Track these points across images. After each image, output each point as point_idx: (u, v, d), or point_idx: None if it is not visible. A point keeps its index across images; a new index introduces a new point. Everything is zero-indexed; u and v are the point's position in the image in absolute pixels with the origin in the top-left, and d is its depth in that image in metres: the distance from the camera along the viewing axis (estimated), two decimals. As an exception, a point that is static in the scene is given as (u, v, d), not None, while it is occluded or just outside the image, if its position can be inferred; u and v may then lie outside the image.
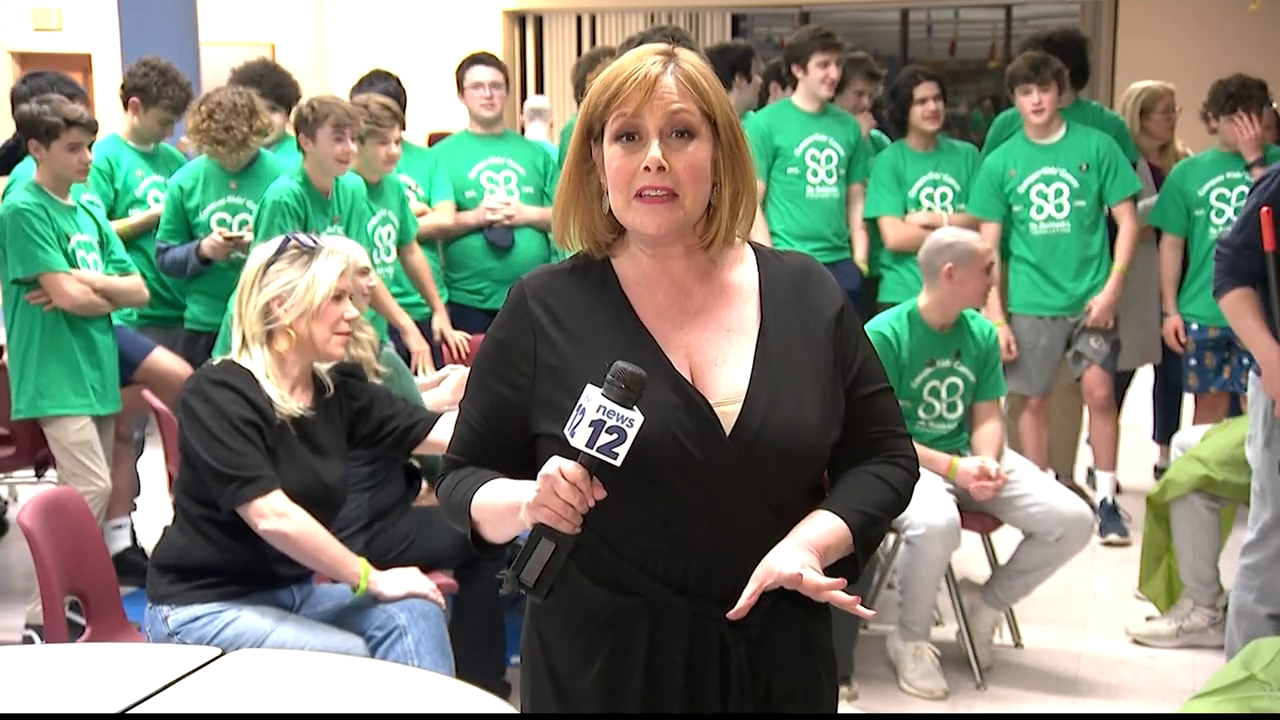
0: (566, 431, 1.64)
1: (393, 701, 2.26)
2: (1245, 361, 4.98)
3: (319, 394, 3.10)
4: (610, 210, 1.80)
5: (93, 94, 11.36)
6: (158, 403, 4.29)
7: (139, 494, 5.19)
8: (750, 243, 1.90)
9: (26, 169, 4.54)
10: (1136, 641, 4.30)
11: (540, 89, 12.73)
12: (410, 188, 5.17)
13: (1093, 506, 5.26)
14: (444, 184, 5.27)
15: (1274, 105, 5.42)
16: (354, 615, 3.04)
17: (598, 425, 1.62)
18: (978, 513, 4.04)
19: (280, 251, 3.04)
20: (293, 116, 4.58)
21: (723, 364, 1.80)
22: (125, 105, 4.99)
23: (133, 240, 4.83)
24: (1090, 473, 5.89)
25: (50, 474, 4.90)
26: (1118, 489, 5.49)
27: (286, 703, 2.26)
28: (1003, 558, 4.15)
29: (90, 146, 4.22)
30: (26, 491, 5.72)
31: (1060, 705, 3.88)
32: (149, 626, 2.96)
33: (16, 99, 4.77)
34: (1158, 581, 4.33)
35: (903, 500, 1.88)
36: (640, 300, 1.82)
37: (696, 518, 1.76)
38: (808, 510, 1.82)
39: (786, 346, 1.82)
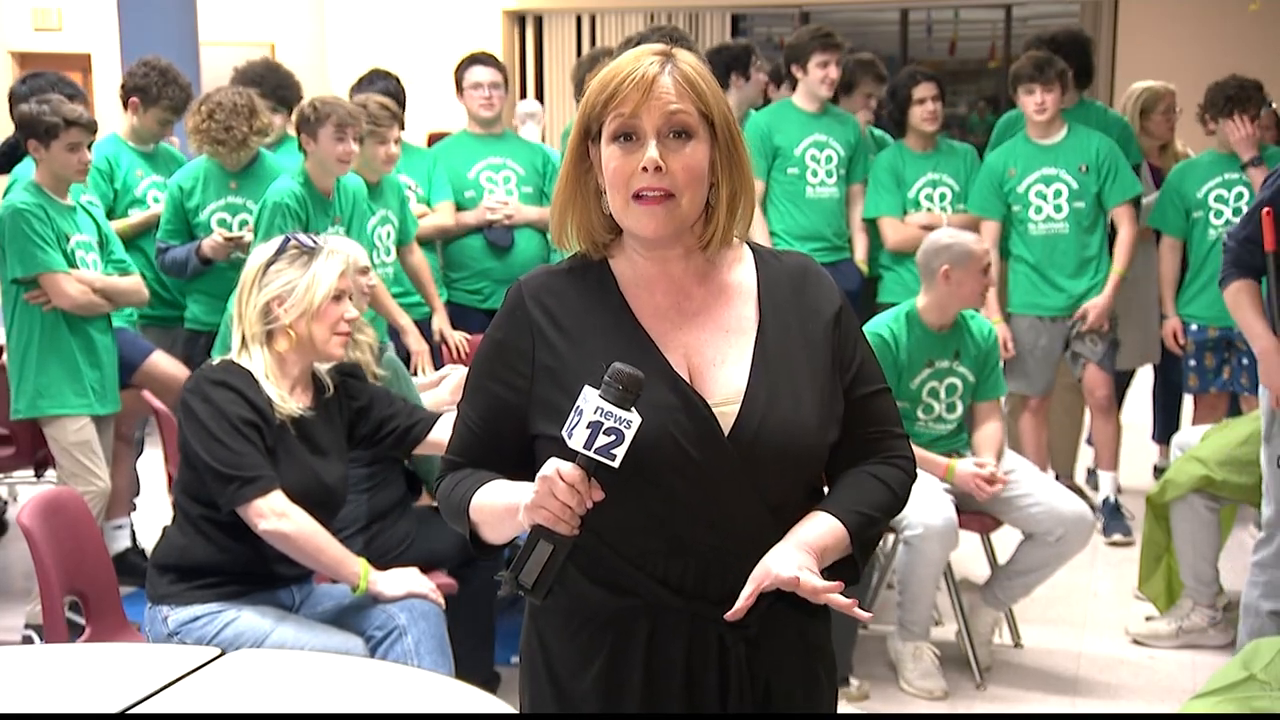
0: (564, 433, 1.64)
1: (392, 701, 2.26)
2: (1245, 362, 4.99)
3: (319, 394, 3.10)
4: (608, 211, 1.80)
5: (92, 94, 11.36)
6: (158, 403, 4.29)
7: (138, 494, 5.19)
8: (748, 243, 1.90)
9: (26, 169, 4.55)
10: (1136, 641, 4.31)
11: (540, 89, 12.74)
12: (410, 188, 5.17)
13: (1093, 506, 5.26)
14: (443, 185, 5.27)
15: (1274, 105, 5.43)
16: (354, 615, 3.04)
17: (595, 427, 1.62)
18: (977, 513, 4.04)
19: (280, 251, 3.04)
20: (294, 117, 4.59)
21: (721, 365, 1.80)
22: (125, 105, 4.99)
23: (133, 240, 4.83)
24: (1090, 473, 5.90)
25: (50, 474, 4.90)
26: (1118, 489, 5.49)
27: (286, 703, 2.26)
28: (1002, 558, 4.15)
29: (90, 146, 4.22)
30: (26, 491, 5.72)
31: (1060, 705, 3.89)
32: (149, 626, 2.96)
33: (15, 99, 4.77)
34: (1157, 581, 4.34)
35: (900, 501, 1.88)
36: (638, 301, 1.82)
37: (695, 518, 1.76)
38: (806, 510, 1.82)
39: (785, 347, 1.82)
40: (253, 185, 4.71)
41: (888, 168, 5.34)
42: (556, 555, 1.67)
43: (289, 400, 2.98)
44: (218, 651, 2.44)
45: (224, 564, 2.95)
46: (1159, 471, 5.77)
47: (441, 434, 3.18)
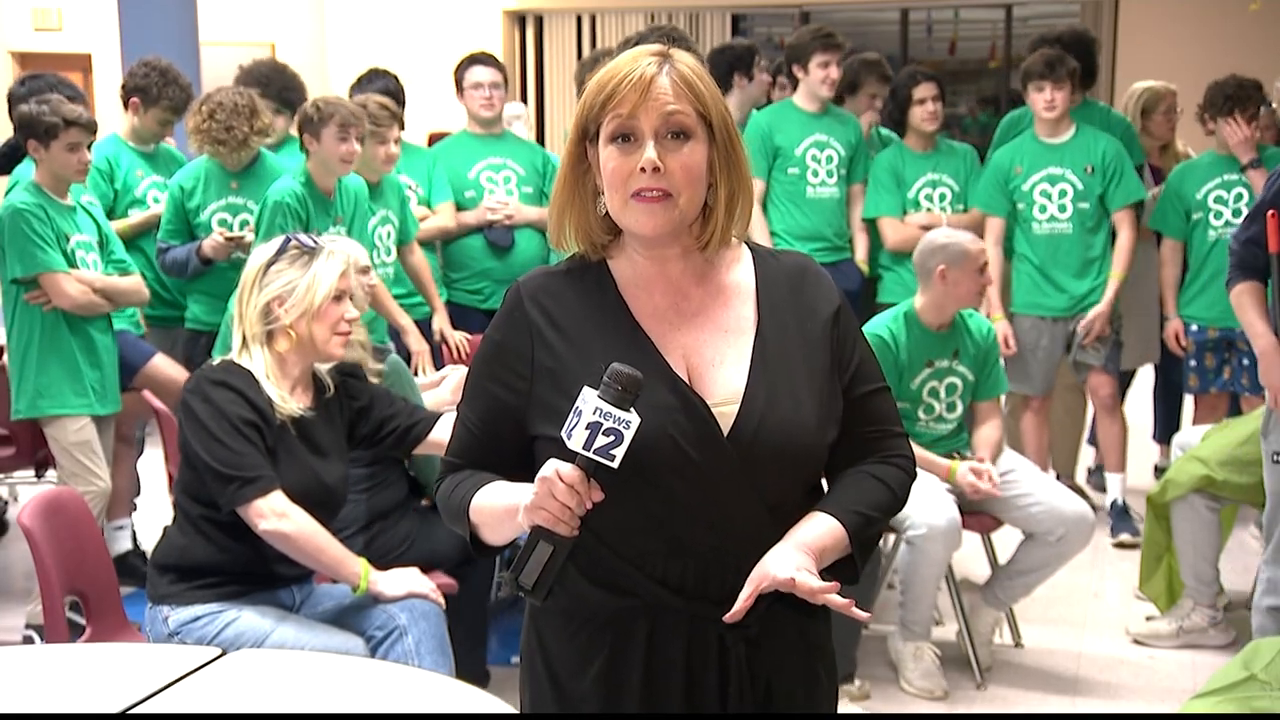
0: (563, 434, 1.64)
1: (393, 701, 2.26)
2: (1245, 362, 4.99)
3: (319, 394, 3.10)
4: (606, 211, 1.80)
5: (93, 94, 11.36)
6: (158, 403, 4.29)
7: (139, 494, 5.19)
8: (747, 242, 1.90)
9: (27, 169, 4.55)
10: (1137, 641, 4.31)
11: (540, 89, 12.73)
12: (410, 188, 5.17)
13: (1094, 506, 5.25)
14: (443, 186, 5.27)
15: (1273, 106, 5.42)
16: (354, 615, 3.04)
17: (594, 427, 1.62)
18: (978, 513, 4.03)
19: (281, 252, 3.04)
20: (297, 117, 4.59)
21: (720, 365, 1.80)
22: (125, 105, 4.99)
23: (133, 240, 4.84)
24: (1090, 473, 5.89)
25: (50, 474, 4.90)
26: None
27: (286, 703, 2.26)
28: (1003, 558, 4.15)
29: (89, 147, 4.22)
30: (26, 491, 5.72)
31: (1060, 705, 3.89)
32: (149, 626, 2.96)
33: (14, 100, 4.77)
34: (1158, 581, 4.34)
35: (899, 500, 1.88)
36: (637, 302, 1.82)
37: (694, 519, 1.76)
38: (806, 510, 1.82)
39: (783, 347, 1.82)
40: (253, 185, 4.71)
41: (887, 168, 5.34)
42: (556, 556, 1.67)
43: (289, 400, 2.98)
44: (218, 651, 2.44)
45: (224, 564, 2.95)
46: (1160, 471, 5.77)
47: (442, 434, 3.18)
